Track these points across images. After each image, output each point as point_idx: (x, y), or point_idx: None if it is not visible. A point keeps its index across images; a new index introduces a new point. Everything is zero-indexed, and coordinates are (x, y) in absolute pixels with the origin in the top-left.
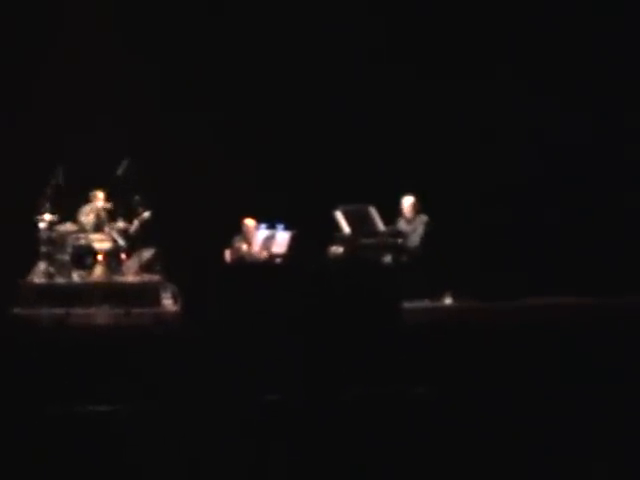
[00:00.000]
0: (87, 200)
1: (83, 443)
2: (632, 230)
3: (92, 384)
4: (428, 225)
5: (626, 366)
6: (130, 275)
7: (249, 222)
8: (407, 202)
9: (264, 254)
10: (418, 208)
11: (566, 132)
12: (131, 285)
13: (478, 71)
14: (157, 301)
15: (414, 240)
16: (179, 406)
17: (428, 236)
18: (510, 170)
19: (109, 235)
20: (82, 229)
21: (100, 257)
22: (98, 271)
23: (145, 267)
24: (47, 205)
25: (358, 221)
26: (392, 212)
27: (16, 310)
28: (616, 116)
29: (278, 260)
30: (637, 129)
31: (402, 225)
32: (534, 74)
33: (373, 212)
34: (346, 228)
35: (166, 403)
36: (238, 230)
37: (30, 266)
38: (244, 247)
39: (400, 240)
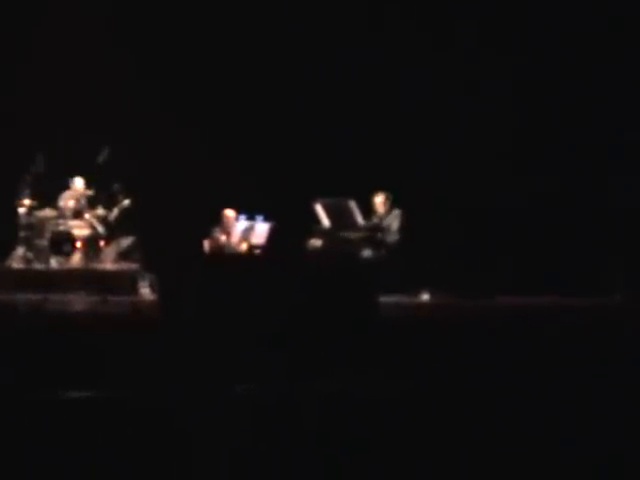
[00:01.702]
0: (67, 187)
1: (60, 430)
2: (607, 231)
3: (68, 370)
4: (401, 217)
5: (601, 365)
6: (108, 262)
7: (229, 213)
8: (378, 200)
9: (243, 245)
10: (389, 204)
11: (543, 125)
12: (109, 273)
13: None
14: (134, 289)
15: (393, 235)
16: (155, 395)
17: (405, 230)
18: (488, 168)
19: (88, 222)
20: (61, 215)
21: (79, 244)
22: (76, 258)
23: (123, 255)
24: (27, 191)
25: (338, 214)
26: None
27: None
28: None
29: (257, 251)
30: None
31: (376, 222)
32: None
33: (353, 205)
34: (325, 221)
35: (142, 392)
36: (217, 221)
37: (8, 251)
38: (223, 238)
39: (379, 234)
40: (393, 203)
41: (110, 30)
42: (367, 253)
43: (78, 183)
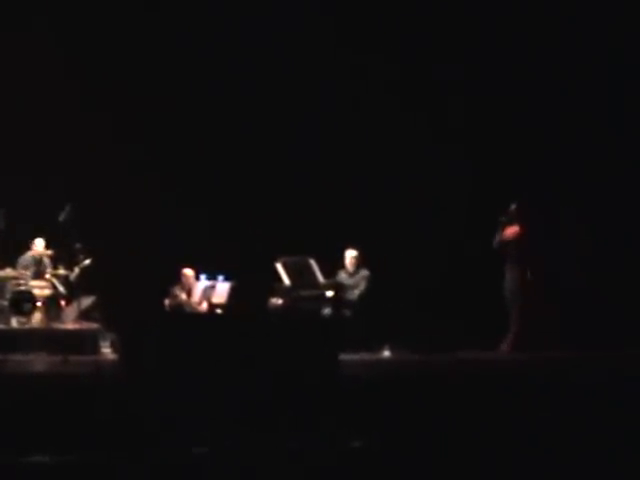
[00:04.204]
0: (28, 247)
1: None
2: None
3: (27, 433)
4: (370, 280)
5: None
6: (69, 322)
7: (188, 272)
8: (350, 255)
9: (204, 304)
10: (360, 262)
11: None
12: (70, 332)
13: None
14: (96, 349)
15: (354, 293)
16: (115, 456)
17: (369, 291)
18: (448, 224)
19: (49, 282)
20: (22, 276)
21: (39, 303)
22: (37, 317)
23: (84, 315)
24: None
25: (298, 273)
26: (334, 264)
27: None
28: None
29: (218, 310)
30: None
31: (343, 277)
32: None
33: (313, 264)
34: (286, 280)
35: (101, 453)
36: (177, 280)
37: None
38: (183, 296)
39: (339, 292)
40: (363, 261)
41: (70, 85)
42: (327, 311)
43: (39, 244)
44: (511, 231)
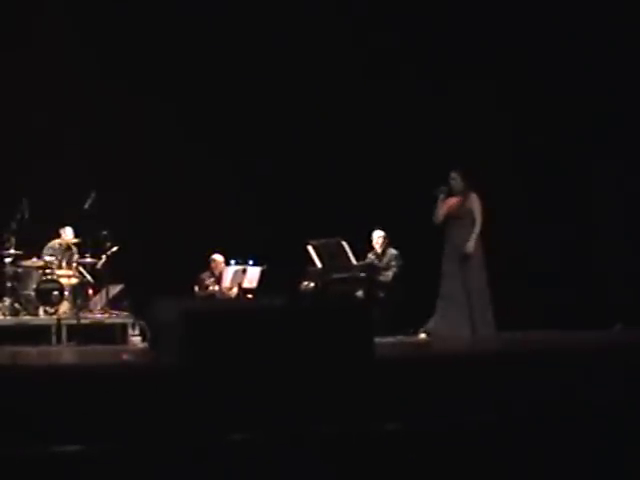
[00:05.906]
0: (56, 235)
1: None
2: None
3: (57, 423)
4: (399, 259)
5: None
6: (97, 311)
7: (218, 257)
8: (377, 236)
9: (234, 290)
10: (387, 242)
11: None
12: (98, 321)
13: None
14: (125, 338)
15: (387, 275)
16: (146, 446)
17: (401, 270)
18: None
19: (76, 270)
20: (49, 264)
21: (67, 293)
22: (65, 307)
23: (112, 303)
24: (12, 240)
25: (330, 255)
26: (363, 246)
27: None
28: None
29: (249, 295)
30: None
31: (372, 259)
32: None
33: (345, 246)
34: (318, 262)
35: (132, 443)
36: (206, 266)
37: None
38: (212, 282)
39: (372, 274)
40: (390, 241)
41: (99, 71)
42: (360, 293)
43: (68, 233)
44: (453, 202)
